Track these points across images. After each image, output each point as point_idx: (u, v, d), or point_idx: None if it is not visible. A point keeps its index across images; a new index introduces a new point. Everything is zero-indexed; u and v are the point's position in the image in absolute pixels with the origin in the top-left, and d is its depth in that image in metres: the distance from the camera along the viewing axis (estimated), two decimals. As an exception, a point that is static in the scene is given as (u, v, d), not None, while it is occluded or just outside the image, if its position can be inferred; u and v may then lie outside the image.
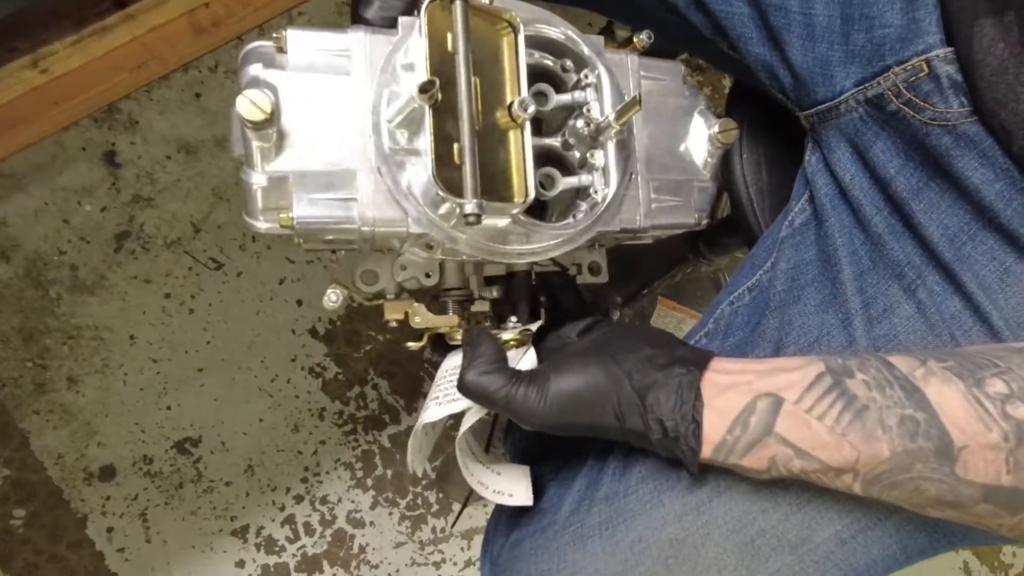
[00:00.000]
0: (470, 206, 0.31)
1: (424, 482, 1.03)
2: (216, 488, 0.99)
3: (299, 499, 1.00)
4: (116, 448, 0.97)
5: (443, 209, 0.35)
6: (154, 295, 1.00)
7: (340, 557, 1.00)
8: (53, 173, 0.99)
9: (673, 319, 1.07)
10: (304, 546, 0.99)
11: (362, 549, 1.00)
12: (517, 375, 0.36)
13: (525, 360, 0.40)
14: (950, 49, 0.38)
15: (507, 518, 0.47)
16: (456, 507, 1.04)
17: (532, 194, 0.35)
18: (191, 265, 1.02)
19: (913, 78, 0.40)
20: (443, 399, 0.40)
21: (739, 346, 0.46)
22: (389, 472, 1.02)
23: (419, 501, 1.03)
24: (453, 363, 0.43)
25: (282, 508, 0.99)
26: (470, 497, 0.89)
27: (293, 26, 0.37)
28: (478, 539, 1.03)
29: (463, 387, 0.36)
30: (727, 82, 1.18)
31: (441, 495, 1.03)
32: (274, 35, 0.36)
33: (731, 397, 0.35)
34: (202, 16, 0.99)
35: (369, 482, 1.02)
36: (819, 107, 0.46)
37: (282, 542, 0.99)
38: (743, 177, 0.57)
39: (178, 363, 1.00)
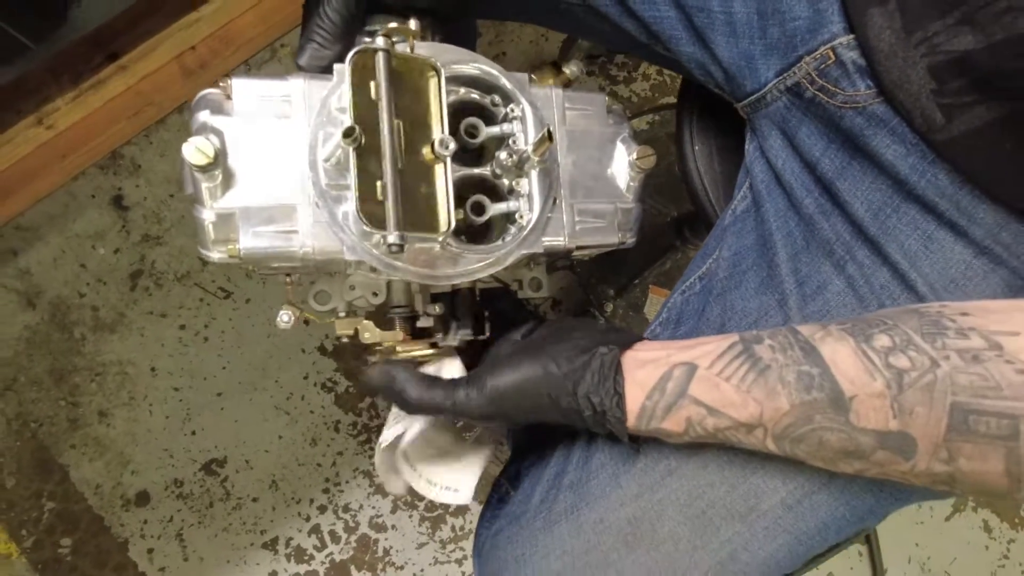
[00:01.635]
0: (392, 237, 0.35)
1: (440, 484, 1.07)
2: (244, 504, 1.04)
3: (323, 509, 1.05)
4: (148, 474, 1.03)
5: (371, 240, 0.38)
6: (170, 327, 1.06)
7: (366, 561, 1.04)
8: (67, 221, 1.05)
9: (667, 306, 1.09)
10: (331, 553, 1.04)
11: (386, 552, 1.05)
12: (456, 383, 0.39)
13: (451, 368, 0.44)
14: (852, 36, 0.40)
15: (489, 513, 0.50)
16: (473, 505, 1.07)
17: (452, 225, 0.38)
18: (202, 296, 1.07)
19: (823, 65, 0.42)
20: (391, 422, 0.43)
21: (688, 334, 0.48)
22: (406, 477, 1.06)
23: (436, 503, 1.06)
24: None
25: (307, 519, 1.04)
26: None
27: (237, 74, 0.40)
28: (497, 534, 1.07)
29: (411, 408, 0.40)
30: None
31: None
32: (220, 83, 0.40)
33: (650, 369, 0.37)
34: (189, 59, 1.05)
35: (387, 488, 1.06)
36: (749, 98, 0.48)
37: (310, 551, 1.03)
38: (696, 168, 0.60)
39: (198, 389, 1.05)
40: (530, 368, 0.38)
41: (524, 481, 0.48)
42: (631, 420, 0.37)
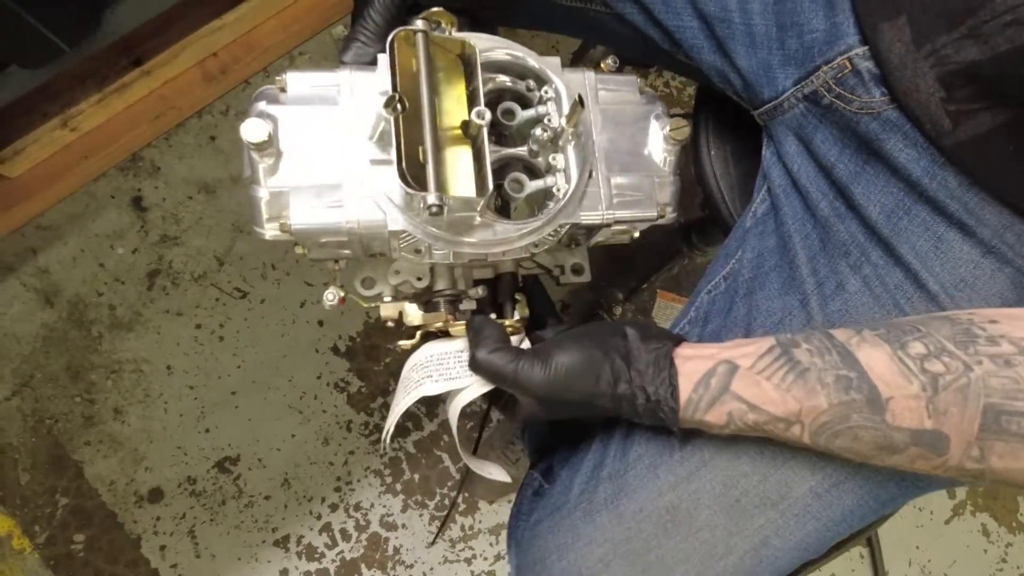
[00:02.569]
0: (432, 197, 0.37)
1: (450, 483, 1.09)
2: (256, 502, 1.05)
3: (334, 507, 1.06)
4: (162, 471, 1.04)
5: (413, 205, 0.40)
6: (186, 327, 1.07)
7: (376, 559, 1.05)
8: (87, 221, 1.07)
9: (673, 310, 1.11)
10: (342, 551, 1.05)
11: (396, 550, 1.06)
12: (522, 352, 0.41)
13: (522, 346, 0.46)
14: (867, 47, 0.43)
15: (527, 504, 0.52)
16: (482, 504, 1.09)
17: (490, 188, 0.40)
18: (218, 296, 1.09)
19: (840, 74, 0.44)
20: (439, 378, 0.44)
21: (716, 331, 0.50)
22: (416, 476, 1.08)
23: (446, 502, 1.08)
24: (439, 349, 0.47)
25: (319, 517, 1.06)
26: (461, 488, 0.93)
27: (292, 69, 0.43)
28: (505, 534, 1.08)
29: (475, 364, 0.42)
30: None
31: (467, 494, 1.08)
32: (276, 78, 0.42)
33: (695, 364, 0.40)
34: (211, 65, 1.07)
35: (398, 487, 1.07)
36: (767, 105, 0.51)
37: (321, 549, 1.05)
38: (712, 172, 0.62)
39: (213, 388, 1.07)
40: (595, 349, 0.40)
41: (561, 474, 0.50)
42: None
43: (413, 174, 0.38)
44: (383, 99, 0.40)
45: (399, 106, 0.37)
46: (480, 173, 0.41)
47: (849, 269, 0.45)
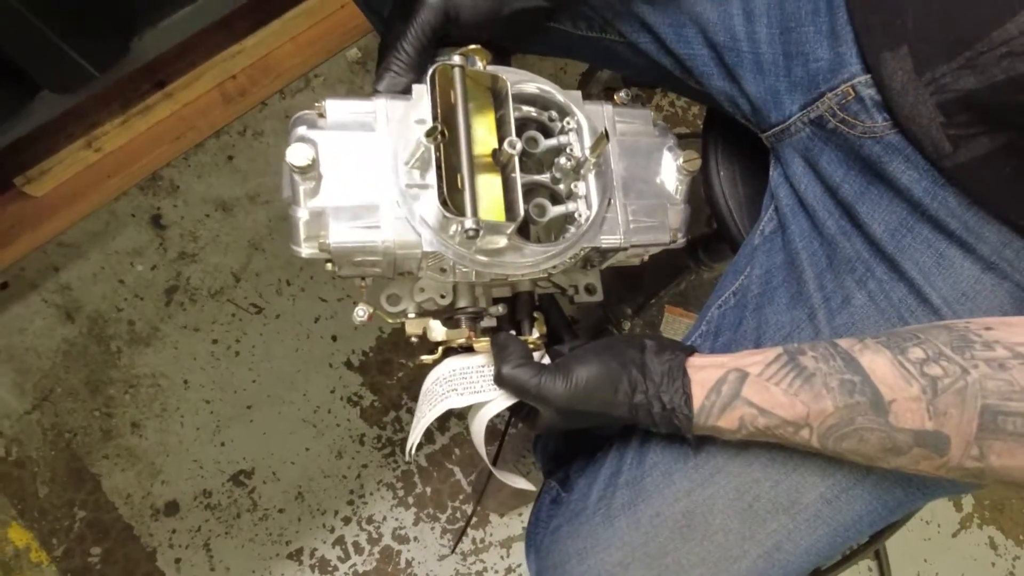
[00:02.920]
0: (469, 222, 0.39)
1: (461, 496, 1.10)
2: (270, 515, 1.06)
3: (347, 520, 1.07)
4: (178, 484, 1.06)
5: (449, 229, 0.42)
6: (203, 342, 1.10)
7: (388, 572, 1.06)
8: (107, 239, 1.10)
9: (682, 325, 1.13)
10: (355, 564, 1.06)
11: (408, 564, 1.07)
12: (544, 367, 0.43)
13: (543, 361, 0.48)
14: (869, 75, 0.45)
15: (545, 512, 0.54)
16: (493, 518, 1.10)
17: (521, 215, 0.42)
18: (234, 312, 1.11)
19: (844, 101, 0.47)
20: (464, 391, 0.46)
21: (727, 344, 0.52)
22: (428, 489, 1.09)
23: (458, 515, 1.09)
24: (462, 363, 0.49)
25: (332, 530, 1.07)
26: (480, 499, 0.95)
27: (331, 96, 0.45)
28: (516, 547, 1.09)
29: (500, 379, 0.44)
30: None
31: (479, 507, 1.09)
32: (316, 104, 0.45)
33: (707, 372, 0.42)
34: (230, 87, 1.11)
35: (410, 500, 1.09)
36: (774, 128, 0.53)
37: (334, 562, 1.06)
38: (721, 191, 0.65)
39: (228, 402, 1.09)
40: (613, 362, 0.42)
41: (579, 482, 0.52)
42: None
43: (451, 200, 0.40)
44: (419, 127, 0.43)
45: (440, 136, 0.40)
46: (510, 199, 0.43)
47: (855, 284, 0.47)
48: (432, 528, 1.08)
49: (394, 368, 1.13)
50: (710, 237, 0.96)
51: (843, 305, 0.47)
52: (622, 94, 0.53)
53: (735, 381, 0.40)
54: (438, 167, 0.41)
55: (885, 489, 0.44)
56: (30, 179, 1.00)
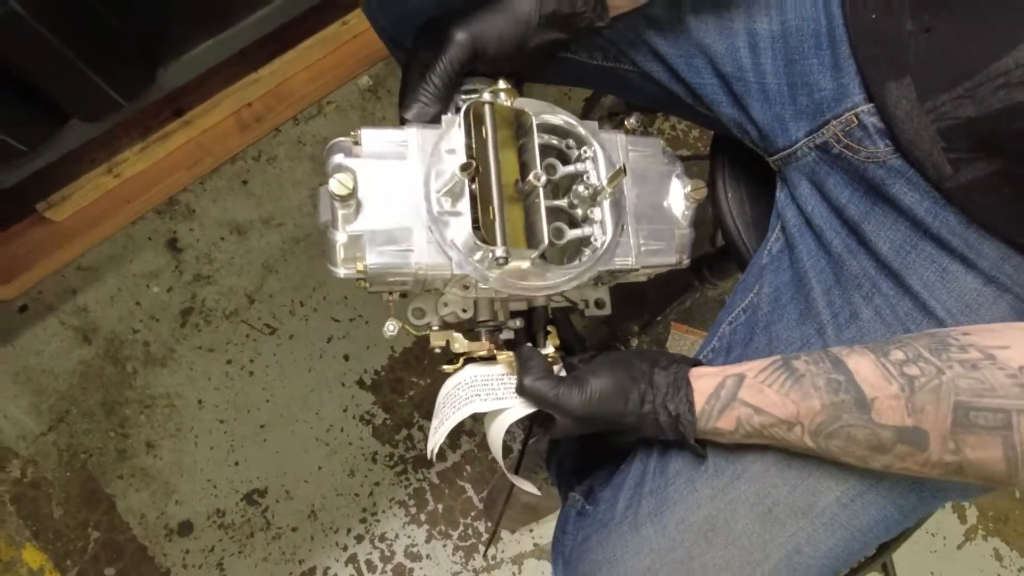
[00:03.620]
0: (500, 251, 0.42)
1: (473, 513, 1.11)
2: (284, 534, 1.07)
3: (360, 538, 1.08)
4: (192, 504, 1.07)
5: (478, 255, 0.45)
6: (217, 362, 1.11)
7: (402, 591, 1.07)
8: (124, 262, 1.12)
9: (687, 341, 1.16)
10: (368, 583, 1.07)
11: (421, 581, 1.08)
12: (562, 379, 0.46)
13: (560, 374, 0.50)
14: (872, 104, 0.48)
15: (572, 524, 0.56)
16: (505, 534, 1.11)
17: (545, 242, 0.45)
18: (248, 332, 1.13)
19: (847, 128, 0.50)
20: (487, 397, 0.49)
21: (738, 360, 0.54)
22: (440, 506, 1.11)
23: (470, 532, 1.10)
24: (482, 372, 0.51)
25: (345, 548, 1.08)
26: (501, 519, 0.96)
27: (365, 126, 0.48)
28: (527, 563, 1.10)
29: (522, 389, 0.46)
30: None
31: (490, 523, 1.10)
32: (351, 133, 0.47)
33: (707, 380, 0.45)
34: (246, 114, 1.14)
35: (422, 517, 1.10)
36: (781, 153, 0.56)
37: (347, 580, 1.06)
38: (729, 212, 0.67)
39: (242, 421, 1.10)
40: (624, 375, 0.45)
41: (604, 493, 0.54)
42: None
43: (482, 230, 0.43)
44: (449, 156, 0.46)
45: (474, 172, 0.43)
46: (535, 227, 0.46)
47: (862, 300, 0.50)
48: (444, 545, 1.09)
49: (405, 387, 1.14)
50: (714, 256, 0.99)
51: (851, 320, 0.50)
52: (632, 120, 0.56)
53: (732, 385, 0.43)
54: (472, 199, 0.43)
55: (899, 494, 0.46)
56: (51, 204, 1.03)
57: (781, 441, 0.43)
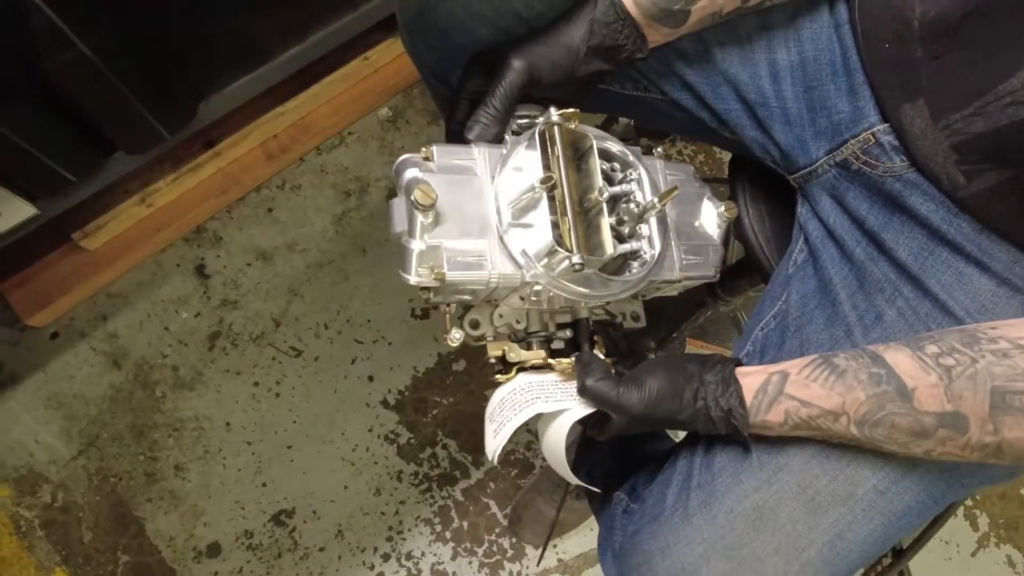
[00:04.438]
0: (577, 258, 0.46)
1: (497, 530, 1.13)
2: (311, 555, 1.08)
3: (386, 557, 1.10)
4: (220, 526, 1.08)
5: (555, 262, 0.48)
6: (244, 385, 1.14)
7: (429, 609, 1.08)
8: (154, 288, 1.15)
9: (703, 357, 1.20)
10: (395, 602, 1.08)
11: (448, 599, 1.09)
12: (620, 380, 0.49)
13: None
14: (887, 124, 0.53)
15: (619, 521, 0.59)
16: (529, 550, 1.13)
17: (610, 252, 0.49)
18: (274, 355, 1.16)
19: (865, 146, 0.55)
20: (548, 400, 0.52)
21: (772, 361, 0.58)
22: (465, 524, 1.12)
23: (495, 548, 1.12)
24: (537, 379, 0.55)
25: (372, 567, 1.09)
26: (551, 535, 0.98)
27: (437, 144, 0.51)
28: (553, 579, 1.12)
29: (584, 390, 0.49)
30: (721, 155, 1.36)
31: (515, 539, 1.12)
32: (423, 149, 0.51)
33: (754, 377, 0.48)
34: (272, 145, 1.19)
35: (448, 535, 1.11)
36: (802, 171, 0.61)
37: (375, 600, 1.07)
38: (751, 228, 0.72)
39: (269, 443, 1.12)
40: (677, 375, 0.49)
41: (651, 490, 0.57)
42: None
43: (558, 239, 0.47)
44: (516, 173, 0.50)
45: (552, 185, 0.47)
46: (598, 237, 0.50)
47: (885, 302, 0.54)
48: (470, 563, 1.11)
49: (429, 406, 1.17)
50: (726, 274, 1.03)
51: (876, 321, 0.54)
52: (660, 150, 0.61)
53: (778, 381, 0.47)
54: (551, 211, 0.47)
55: (930, 481, 0.49)
56: (87, 233, 1.06)
57: (827, 431, 0.46)
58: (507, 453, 1.17)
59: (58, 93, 0.71)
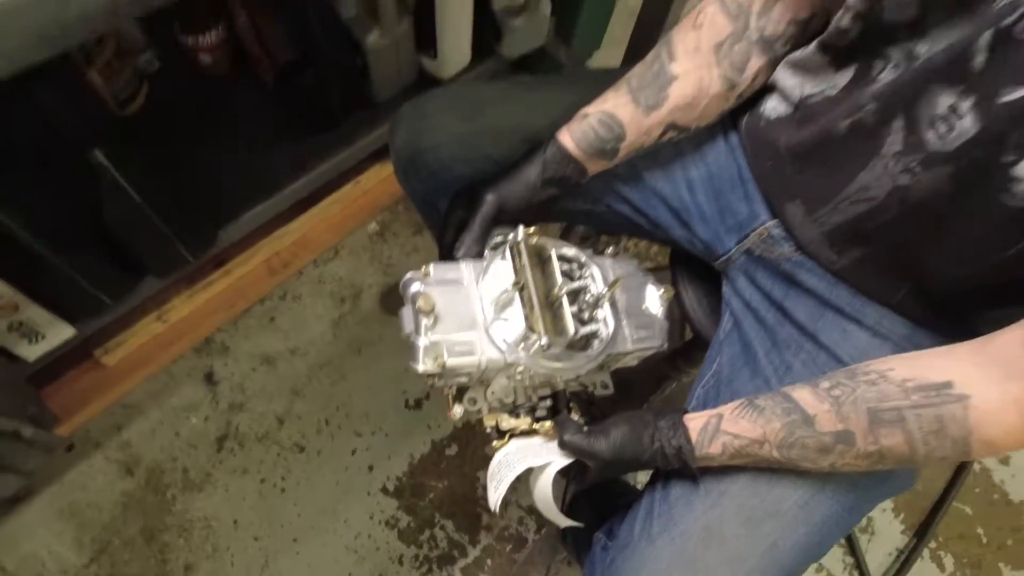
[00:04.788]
0: (544, 339, 0.60)
1: (497, 607, 1.19)
2: (319, 646, 1.12)
3: (392, 643, 1.14)
4: (230, 624, 1.12)
5: (529, 344, 0.62)
6: (251, 482, 1.21)
7: None
8: (166, 397, 1.25)
9: (671, 425, 1.32)
10: None
11: None
12: (590, 432, 0.62)
13: None
14: (776, 220, 0.70)
15: (599, 555, 0.69)
16: (528, 625, 1.18)
17: (571, 332, 0.63)
18: (279, 452, 1.24)
19: (763, 237, 0.71)
20: (535, 457, 0.64)
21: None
22: (465, 603, 1.18)
23: (495, 625, 1.17)
24: (525, 442, 0.66)
25: (378, 655, 1.13)
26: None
27: (432, 262, 0.66)
28: (552, 653, 1.17)
29: (563, 444, 0.62)
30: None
31: (514, 614, 1.18)
32: (423, 268, 0.65)
33: (697, 421, 0.61)
34: (275, 261, 1.34)
35: (450, 615, 1.17)
36: (721, 259, 0.77)
37: None
38: (693, 307, 0.88)
39: (275, 537, 1.18)
40: (637, 423, 0.61)
41: (622, 526, 0.68)
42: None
43: (531, 326, 0.61)
44: (495, 280, 0.65)
45: (521, 287, 0.62)
46: (562, 323, 0.64)
47: (792, 356, 0.69)
48: (472, 642, 1.15)
49: (426, 490, 1.25)
50: (683, 348, 1.18)
51: (787, 371, 0.68)
52: (611, 250, 0.77)
53: (716, 421, 0.60)
54: (523, 307, 0.62)
55: (842, 493, 0.62)
56: (108, 350, 1.17)
57: (756, 457, 0.59)
58: (502, 529, 1.24)
59: (110, 233, 0.86)
